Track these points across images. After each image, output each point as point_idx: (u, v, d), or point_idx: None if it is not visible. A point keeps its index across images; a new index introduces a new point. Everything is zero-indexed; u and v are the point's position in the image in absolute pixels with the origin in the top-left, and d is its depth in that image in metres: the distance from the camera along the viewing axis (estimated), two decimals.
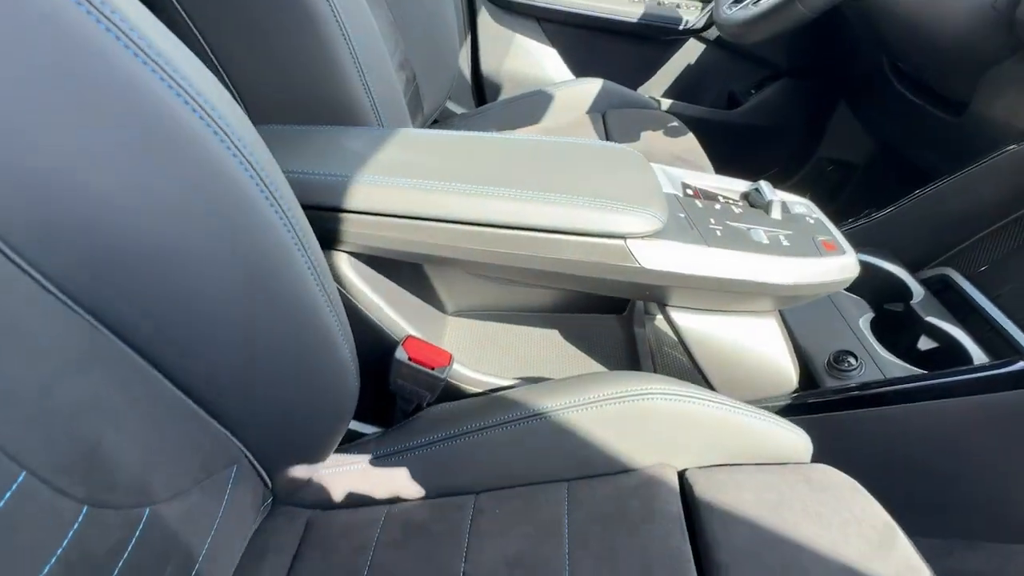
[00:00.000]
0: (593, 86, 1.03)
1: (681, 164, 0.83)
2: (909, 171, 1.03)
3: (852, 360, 0.53)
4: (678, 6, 1.10)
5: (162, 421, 0.29)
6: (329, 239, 0.46)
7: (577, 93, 1.03)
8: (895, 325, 0.59)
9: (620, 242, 0.43)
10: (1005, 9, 0.61)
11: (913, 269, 0.67)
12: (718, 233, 0.46)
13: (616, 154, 0.52)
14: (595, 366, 0.63)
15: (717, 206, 0.50)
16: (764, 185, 0.53)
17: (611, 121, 0.99)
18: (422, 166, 0.46)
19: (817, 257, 0.46)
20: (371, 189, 0.43)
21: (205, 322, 0.28)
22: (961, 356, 0.54)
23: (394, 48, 0.84)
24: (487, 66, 1.19)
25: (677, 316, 0.50)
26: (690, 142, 0.90)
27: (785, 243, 0.47)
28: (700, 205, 0.50)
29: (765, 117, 1.21)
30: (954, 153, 0.82)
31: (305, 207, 0.37)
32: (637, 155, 0.53)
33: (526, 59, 1.18)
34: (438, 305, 0.65)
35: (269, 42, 0.50)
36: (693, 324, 0.51)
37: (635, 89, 1.23)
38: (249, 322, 0.30)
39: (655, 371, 0.60)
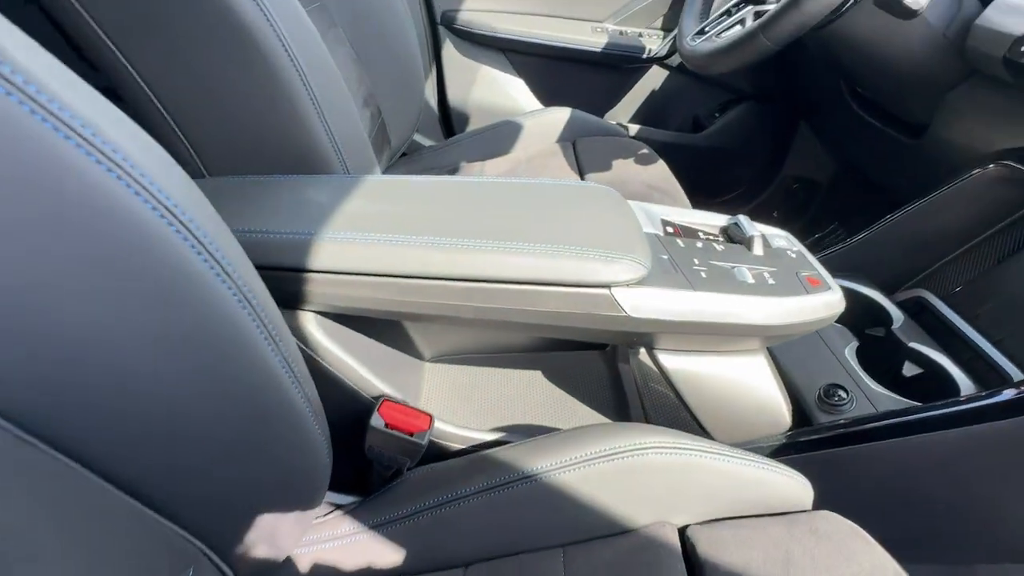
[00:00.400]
0: (562, 115, 1.03)
1: (655, 194, 0.83)
2: (873, 187, 1.06)
3: (843, 394, 0.52)
4: (640, 35, 1.12)
5: (101, 537, 0.25)
6: (294, 299, 0.42)
7: (546, 122, 1.03)
8: (878, 351, 0.59)
9: (605, 291, 0.41)
10: (955, 38, 0.63)
11: (888, 292, 0.67)
12: (703, 275, 0.45)
13: (592, 194, 0.51)
14: (581, 407, 0.60)
15: (699, 244, 0.49)
16: (743, 219, 0.52)
17: (581, 149, 0.99)
18: (391, 217, 0.43)
19: (804, 295, 0.45)
20: (338, 246, 0.40)
21: (143, 414, 0.24)
22: (946, 382, 0.54)
23: (358, 84, 0.82)
24: (454, 97, 1.18)
25: (664, 358, 0.49)
26: (662, 170, 0.90)
27: (771, 281, 0.46)
28: (682, 244, 0.49)
29: (730, 139, 1.24)
30: (916, 173, 0.85)
31: (266, 268, 0.34)
32: (613, 194, 0.51)
33: (493, 89, 1.17)
34: (414, 353, 0.62)
35: (220, 88, 0.48)
36: (681, 366, 0.49)
37: (602, 116, 1.25)
38: (203, 410, 0.26)
39: (643, 409, 0.58)
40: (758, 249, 0.49)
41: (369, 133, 0.87)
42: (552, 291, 0.41)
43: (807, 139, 1.20)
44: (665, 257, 0.46)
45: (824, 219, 1.33)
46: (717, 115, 1.23)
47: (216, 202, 0.26)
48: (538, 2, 1.10)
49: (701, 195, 1.42)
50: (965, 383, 0.53)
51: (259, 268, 0.29)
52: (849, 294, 0.67)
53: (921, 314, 0.64)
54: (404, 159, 1.07)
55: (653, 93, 1.21)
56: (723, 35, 0.72)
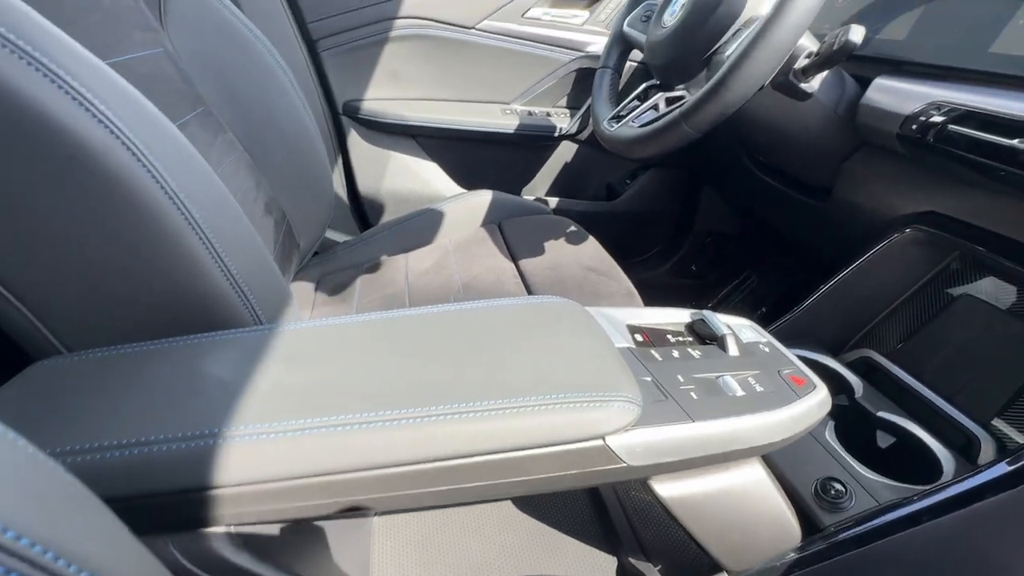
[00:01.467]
0: (483, 198, 0.99)
1: (593, 276, 0.81)
2: (780, 235, 1.13)
3: (839, 487, 0.49)
4: (548, 115, 1.14)
5: None
6: (196, 522, 0.31)
7: (468, 207, 0.99)
8: (849, 424, 0.58)
9: (599, 442, 0.35)
10: (846, 114, 0.68)
11: (834, 354, 0.68)
12: (693, 395, 0.40)
13: (553, 313, 0.45)
14: (566, 548, 0.52)
15: (675, 353, 0.45)
16: (708, 315, 0.49)
17: (509, 232, 0.95)
18: (323, 387, 0.34)
19: (796, 401, 0.41)
20: (253, 448, 0.30)
21: None
22: (921, 451, 0.53)
23: (256, 191, 0.72)
24: (365, 188, 1.11)
25: (659, 487, 0.42)
26: (594, 249, 0.89)
27: (759, 388, 0.42)
28: (659, 356, 0.44)
29: (643, 204, 1.28)
30: (825, 230, 0.90)
31: (154, 496, 0.25)
32: (572, 307, 0.46)
33: (407, 176, 1.12)
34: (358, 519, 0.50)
35: (71, 240, 0.36)
36: (677, 492, 0.43)
37: (520, 192, 1.24)
38: None
39: (639, 544, 0.51)
40: (733, 349, 0.46)
41: (274, 242, 0.76)
42: (541, 454, 0.34)
43: (712, 199, 1.27)
44: (648, 379, 0.41)
45: (738, 267, 1.42)
46: (628, 182, 1.27)
47: (74, 400, 0.18)
48: (444, 88, 1.08)
49: (624, 257, 1.46)
50: (939, 449, 0.53)
51: (144, 497, 0.24)
52: (809, 365, 0.67)
53: (871, 374, 0.65)
54: (317, 259, 0.96)
55: (567, 165, 1.23)
56: (640, 120, 0.73)
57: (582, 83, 1.13)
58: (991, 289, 0.59)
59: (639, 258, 1.42)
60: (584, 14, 1.06)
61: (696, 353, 0.46)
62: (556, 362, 0.38)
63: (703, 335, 0.49)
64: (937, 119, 0.55)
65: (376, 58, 1.03)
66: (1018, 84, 0.51)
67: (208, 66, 0.66)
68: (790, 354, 0.48)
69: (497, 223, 0.99)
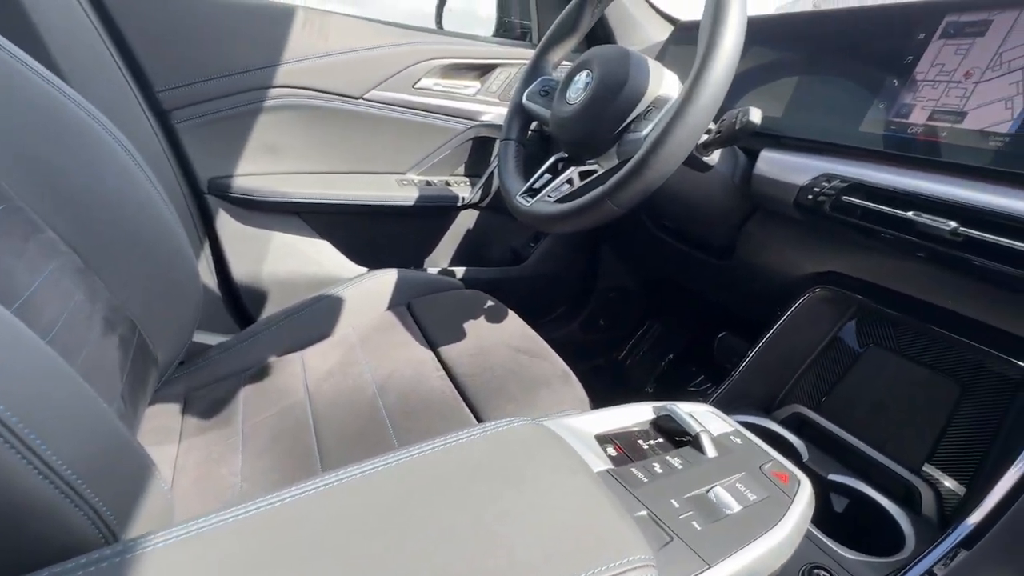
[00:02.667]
0: (387, 277, 0.89)
1: (523, 358, 0.74)
2: (679, 286, 1.18)
3: (825, 574, 0.47)
4: (448, 184, 1.09)
5: None
6: None
7: (370, 289, 0.88)
8: None
9: None
10: (741, 183, 0.72)
11: (767, 413, 0.69)
12: (695, 525, 0.34)
13: (518, 444, 0.37)
14: None
15: (656, 467, 0.40)
16: (673, 410, 0.45)
17: (420, 313, 0.86)
18: None
19: (791, 506, 0.38)
20: None
21: None
22: (876, 511, 0.54)
23: (90, 305, 0.55)
24: (242, 276, 0.94)
25: None
26: (516, 324, 0.83)
27: (752, 497, 0.38)
28: (642, 477, 0.38)
29: (548, 265, 1.27)
30: (728, 286, 0.95)
31: None
32: (538, 433, 0.39)
33: (294, 259, 0.98)
34: None
35: None
36: None
37: (423, 264, 1.16)
38: None
39: None
40: (710, 449, 0.42)
41: (120, 369, 0.58)
42: None
43: (612, 255, 1.31)
44: (644, 513, 0.35)
45: (642, 318, 1.47)
46: (532, 245, 1.26)
47: None
48: (332, 160, 0.98)
49: (535, 318, 1.43)
50: (892, 507, 0.54)
51: None
52: (753, 430, 0.67)
53: (804, 429, 0.67)
54: (184, 370, 0.77)
55: (469, 233, 1.18)
56: (555, 194, 0.71)
57: (480, 151, 1.11)
58: (892, 338, 0.64)
59: (549, 317, 1.41)
60: (476, 84, 1.05)
61: (676, 462, 0.41)
62: (551, 522, 0.30)
63: (672, 432, 0.45)
64: (830, 190, 0.60)
65: (248, 130, 0.90)
66: (885, 159, 0.57)
67: (10, 147, 0.50)
68: (762, 444, 0.45)
69: (405, 304, 0.89)
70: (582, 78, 0.69)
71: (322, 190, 0.96)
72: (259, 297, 0.96)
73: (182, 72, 0.82)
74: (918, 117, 0.55)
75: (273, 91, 0.89)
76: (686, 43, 0.87)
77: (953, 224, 0.47)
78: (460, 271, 1.16)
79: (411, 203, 1.02)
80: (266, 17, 0.88)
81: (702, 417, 0.47)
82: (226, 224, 0.92)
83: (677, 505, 0.36)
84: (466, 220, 1.16)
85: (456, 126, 1.05)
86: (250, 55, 0.86)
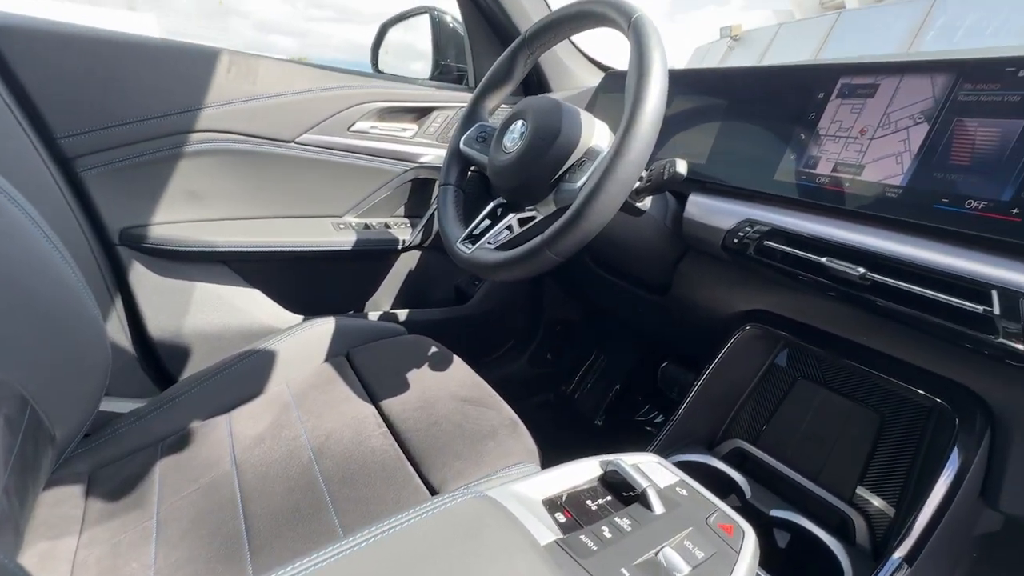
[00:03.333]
0: (324, 326, 0.85)
1: (469, 408, 0.72)
2: (623, 321, 1.21)
3: None
4: (388, 226, 1.06)
5: None
6: None
7: (306, 339, 0.83)
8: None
9: None
10: (673, 225, 0.76)
11: (709, 448, 0.71)
12: None
13: (467, 525, 0.35)
14: None
15: (605, 531, 0.39)
16: (619, 465, 0.45)
17: (360, 363, 0.82)
18: None
19: (738, 560, 0.38)
20: None
21: None
22: (815, 545, 0.56)
23: None
24: (161, 332, 0.87)
25: None
26: (461, 370, 0.81)
27: (700, 555, 0.38)
28: (591, 544, 0.37)
29: (493, 302, 1.27)
30: (666, 320, 0.98)
31: None
32: (489, 510, 0.37)
33: (220, 310, 0.91)
34: None
35: None
36: None
37: (363, 309, 1.12)
38: None
39: None
40: (658, 506, 0.42)
41: (5, 454, 0.51)
42: None
43: (555, 290, 1.33)
44: None
45: (588, 349, 1.48)
46: (476, 283, 1.25)
47: None
48: (262, 205, 0.94)
49: (483, 355, 1.42)
50: (829, 540, 0.56)
51: None
52: (696, 468, 0.68)
53: (744, 463, 0.69)
54: (88, 443, 0.69)
55: (411, 274, 1.16)
56: (495, 240, 0.70)
57: (420, 192, 1.10)
58: (818, 371, 0.68)
59: (496, 355, 1.40)
60: (413, 127, 1.05)
61: (625, 523, 0.40)
62: None
63: (619, 487, 0.45)
64: (753, 234, 0.63)
65: (166, 176, 0.84)
66: (799, 206, 0.61)
67: None
68: (707, 494, 0.45)
69: (344, 354, 0.85)
70: (517, 127, 0.70)
71: (251, 237, 0.91)
72: (180, 355, 0.88)
73: (87, 116, 0.76)
74: (824, 168, 0.60)
75: (195, 135, 0.84)
76: (615, 91, 0.91)
77: (861, 269, 0.51)
78: (403, 314, 1.13)
79: (349, 247, 0.99)
80: (186, 60, 0.84)
81: (648, 468, 0.47)
82: (141, 277, 0.85)
83: (628, 574, 0.35)
84: (408, 261, 1.14)
85: (394, 168, 1.03)
86: (168, 98, 0.82)
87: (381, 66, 1.28)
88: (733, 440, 0.70)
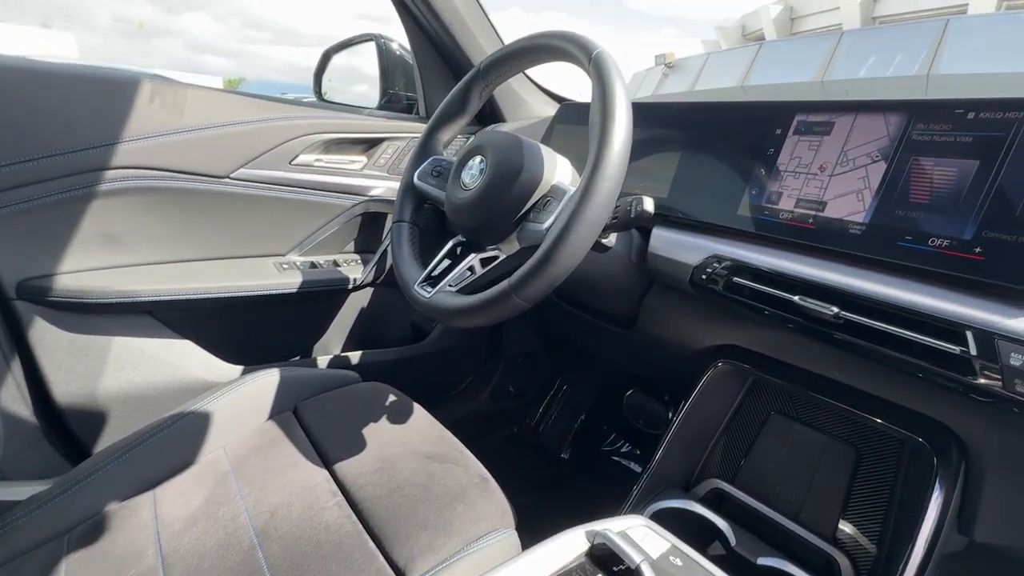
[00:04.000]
0: (267, 379, 0.77)
1: (435, 466, 0.66)
2: (583, 349, 1.18)
3: None
4: (337, 264, 0.99)
5: None
6: None
7: (247, 395, 0.75)
8: None
9: None
10: (639, 260, 0.74)
11: (687, 490, 0.68)
12: None
13: None
14: None
15: None
16: (607, 536, 0.41)
17: (310, 419, 0.75)
18: None
19: None
20: None
21: None
22: None
23: None
24: (70, 398, 0.75)
25: None
26: (423, 421, 0.75)
27: None
28: None
29: (452, 339, 1.21)
30: (632, 352, 0.96)
31: None
32: None
33: (144, 368, 0.81)
34: None
35: None
36: None
37: (311, 353, 1.03)
38: None
39: None
40: None
41: None
42: None
43: (517, 322, 1.29)
44: None
45: (551, 381, 1.45)
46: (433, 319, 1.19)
47: None
48: (194, 247, 0.85)
49: (443, 393, 1.35)
50: None
51: None
52: (677, 515, 0.65)
53: (723, 504, 0.67)
54: None
55: (364, 313, 1.09)
56: (457, 283, 0.66)
57: (371, 227, 1.04)
58: (790, 406, 0.67)
59: (456, 391, 1.33)
60: (362, 159, 0.99)
61: None
62: None
63: (609, 561, 0.41)
64: (721, 271, 0.62)
65: (76, 218, 0.74)
66: (765, 241, 0.61)
67: None
68: (700, 560, 0.42)
69: (292, 409, 0.77)
70: (476, 164, 0.66)
71: (180, 283, 0.81)
72: (94, 423, 0.77)
73: None
74: (786, 204, 0.60)
75: (111, 173, 0.75)
76: (572, 122, 0.90)
77: (835, 309, 0.51)
78: (356, 357, 1.05)
79: (294, 289, 0.91)
80: (102, 88, 0.75)
81: (637, 535, 0.44)
82: (45, 335, 0.73)
83: None
84: (359, 300, 1.07)
85: (342, 202, 0.97)
86: (79, 131, 0.72)
87: (326, 93, 1.22)
88: (711, 480, 0.68)
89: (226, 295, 0.84)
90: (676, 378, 1.01)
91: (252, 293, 0.86)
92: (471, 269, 0.67)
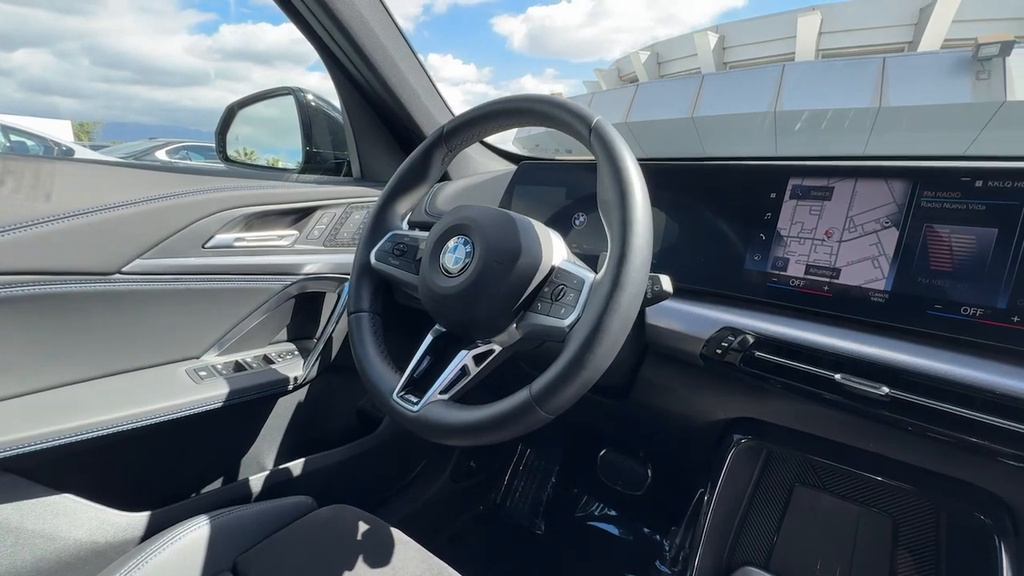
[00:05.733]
0: (191, 534, 0.60)
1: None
2: (579, 426, 1.10)
3: None
4: (268, 361, 0.82)
5: None
6: None
7: (163, 563, 0.56)
8: None
9: None
10: (634, 331, 0.68)
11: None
12: None
13: None
14: None
15: None
16: None
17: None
18: None
19: None
20: None
21: None
22: None
23: None
24: None
25: None
26: (406, 554, 0.61)
27: None
28: None
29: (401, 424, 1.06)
30: (623, 423, 0.90)
31: None
32: None
33: (4, 544, 0.58)
34: None
35: None
36: None
37: (239, 474, 0.83)
38: None
39: None
40: None
41: None
42: None
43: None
44: None
45: (512, 447, 1.33)
46: None
47: None
48: (69, 368, 0.64)
49: (399, 479, 1.17)
50: None
51: None
52: None
53: None
54: None
55: (302, 409, 0.91)
56: (449, 389, 0.55)
57: (306, 310, 0.88)
58: (813, 475, 0.64)
59: (412, 475, 1.18)
60: (292, 232, 0.84)
61: None
62: None
63: None
64: (738, 345, 0.58)
65: None
66: (772, 309, 0.58)
67: None
68: None
69: (231, 568, 0.59)
70: (460, 246, 0.57)
71: (52, 423, 0.60)
72: None
73: None
74: (795, 271, 0.57)
75: None
76: (535, 183, 0.84)
77: (885, 389, 0.48)
78: (298, 467, 0.87)
79: (217, 403, 0.72)
80: None
81: None
82: None
83: None
84: (296, 396, 0.89)
85: (271, 285, 0.81)
86: None
87: (233, 155, 1.05)
88: (745, 570, 0.63)
89: (119, 428, 0.64)
90: (659, 440, 0.96)
91: (157, 420, 0.67)
92: (464, 370, 0.56)
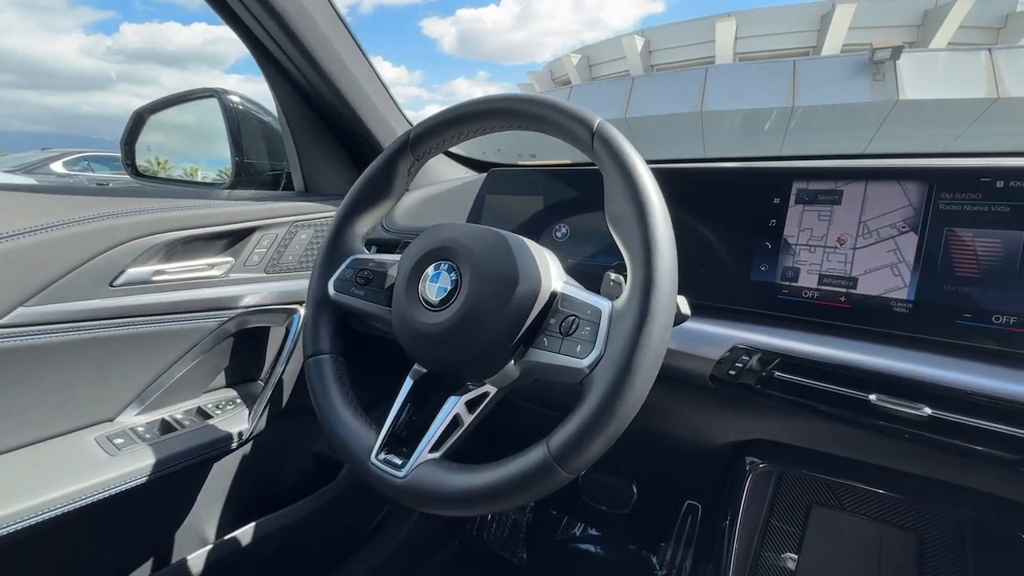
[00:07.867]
0: None
1: None
2: None
3: None
4: (205, 414, 0.68)
5: None
6: None
7: None
8: None
9: None
10: None
11: None
12: None
13: None
14: None
15: None
16: None
17: None
18: None
19: None
20: None
21: None
22: None
23: None
24: None
25: None
26: None
27: None
28: None
29: None
30: (618, 447, 0.83)
31: None
32: None
33: None
34: None
35: None
36: None
37: (173, 550, 0.69)
38: None
39: None
40: None
41: None
42: None
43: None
44: None
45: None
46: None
47: None
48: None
49: (360, 536, 1.05)
50: None
51: None
52: None
53: None
54: None
55: (247, 464, 0.78)
56: (442, 447, 0.46)
57: (248, 349, 0.75)
58: (829, 495, 0.61)
59: (378, 519, 1.06)
60: (226, 259, 0.71)
61: None
62: None
63: None
64: (755, 365, 0.53)
65: None
66: (785, 323, 0.54)
67: None
68: None
69: None
70: (443, 273, 0.48)
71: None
72: None
73: None
74: (808, 281, 0.53)
75: None
76: (507, 192, 0.76)
77: (928, 410, 0.44)
78: (247, 534, 0.74)
79: (141, 478, 0.58)
80: None
81: None
82: None
83: None
84: (241, 450, 0.76)
85: (204, 324, 0.68)
86: None
87: (143, 167, 0.89)
88: None
89: (10, 528, 0.49)
90: (651, 463, 0.91)
91: (58, 510, 0.52)
92: (456, 420, 0.47)
